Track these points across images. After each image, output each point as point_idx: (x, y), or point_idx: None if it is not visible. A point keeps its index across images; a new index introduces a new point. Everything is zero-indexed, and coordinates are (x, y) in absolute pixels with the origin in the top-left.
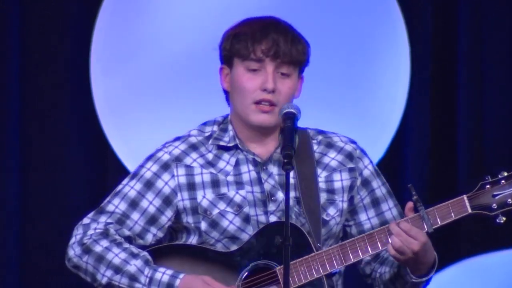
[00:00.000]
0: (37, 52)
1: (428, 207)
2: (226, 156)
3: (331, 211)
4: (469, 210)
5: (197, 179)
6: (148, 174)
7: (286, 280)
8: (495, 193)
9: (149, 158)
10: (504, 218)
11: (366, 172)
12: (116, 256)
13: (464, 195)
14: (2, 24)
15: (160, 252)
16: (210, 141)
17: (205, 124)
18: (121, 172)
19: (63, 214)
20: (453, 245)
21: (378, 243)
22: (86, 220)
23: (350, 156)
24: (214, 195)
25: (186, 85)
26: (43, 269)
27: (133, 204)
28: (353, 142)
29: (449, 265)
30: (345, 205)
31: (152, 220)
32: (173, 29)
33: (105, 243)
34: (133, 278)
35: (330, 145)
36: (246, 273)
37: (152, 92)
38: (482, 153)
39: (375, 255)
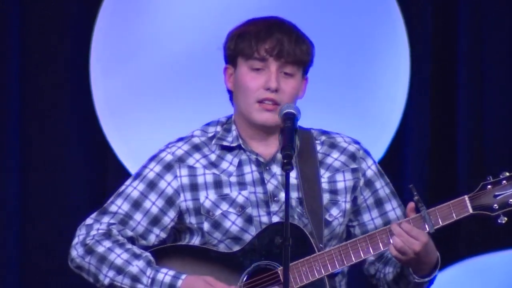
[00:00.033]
0: (37, 52)
1: (428, 207)
2: (229, 156)
3: (334, 211)
4: (471, 211)
5: (200, 179)
6: (151, 175)
7: (286, 280)
8: (496, 193)
9: (152, 158)
10: (506, 219)
11: (369, 173)
12: (118, 256)
13: (466, 196)
14: (2, 24)
15: (163, 253)
16: (213, 141)
17: (208, 124)
18: (121, 172)
19: (63, 214)
20: (453, 245)
21: (380, 243)
22: (89, 221)
23: (353, 157)
24: (217, 195)
25: (186, 85)
26: (43, 269)
27: (136, 204)
28: (357, 142)
29: (449, 265)
30: (348, 205)
31: (155, 221)
32: (173, 29)
33: (107, 243)
34: (135, 279)
35: (333, 146)
36: (248, 274)
37: (152, 92)
38: (482, 153)
39: (379, 255)
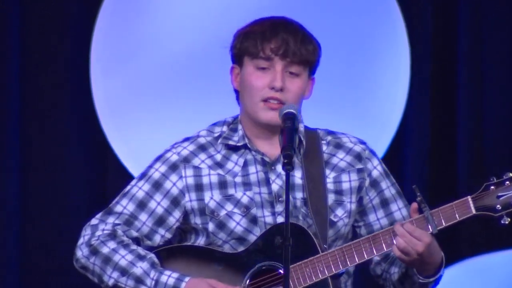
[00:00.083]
0: (37, 52)
1: (428, 207)
2: (234, 157)
3: (339, 212)
4: (474, 211)
5: (205, 180)
6: (156, 175)
7: (286, 280)
8: (499, 194)
9: (157, 158)
10: (509, 219)
11: (375, 173)
12: (123, 258)
13: (469, 196)
14: (2, 24)
15: (167, 253)
16: (219, 141)
17: (215, 124)
18: (121, 172)
19: (63, 214)
20: (455, 246)
21: (383, 244)
22: (94, 221)
23: (359, 157)
24: (222, 196)
25: (186, 85)
26: (43, 269)
27: (141, 205)
28: (363, 142)
29: (450, 265)
30: (353, 206)
31: (160, 221)
32: (173, 29)
33: (112, 244)
34: (139, 281)
35: (339, 146)
36: (252, 275)
37: (152, 92)
38: (482, 153)
39: (385, 255)
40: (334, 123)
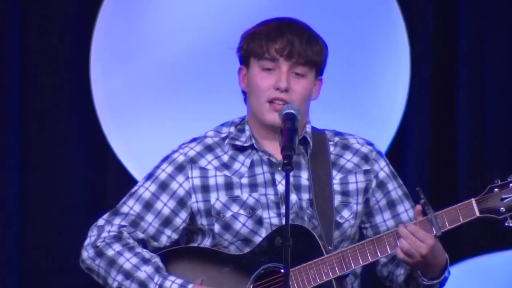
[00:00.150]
0: (37, 52)
1: (432, 209)
2: (241, 157)
3: (345, 213)
4: (477, 214)
5: (211, 181)
6: (163, 176)
7: (286, 280)
8: (503, 196)
9: (164, 159)
10: None
11: (381, 174)
12: (127, 261)
13: (473, 199)
14: (2, 24)
15: (173, 255)
16: (226, 141)
17: (222, 125)
18: (121, 172)
19: (63, 214)
20: (454, 245)
21: (387, 246)
22: (100, 222)
23: (366, 158)
24: (227, 197)
25: (186, 85)
26: (43, 269)
27: (148, 205)
28: (370, 144)
29: (450, 265)
30: (359, 207)
31: (167, 222)
32: (173, 29)
33: (117, 247)
34: (142, 285)
35: (346, 147)
36: (256, 277)
37: (152, 92)
38: (482, 153)
39: (391, 257)
40: (334, 123)
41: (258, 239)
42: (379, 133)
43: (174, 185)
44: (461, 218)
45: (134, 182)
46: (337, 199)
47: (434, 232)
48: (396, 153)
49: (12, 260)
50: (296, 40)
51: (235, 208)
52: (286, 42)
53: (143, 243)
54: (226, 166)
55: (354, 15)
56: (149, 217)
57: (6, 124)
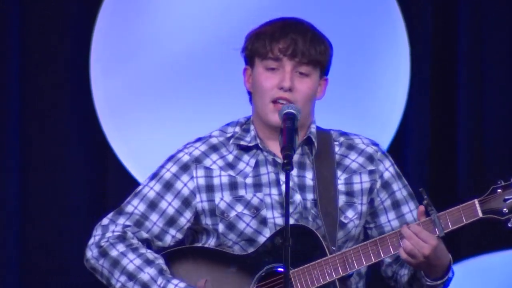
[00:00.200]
0: (37, 52)
1: (435, 210)
2: (246, 157)
3: (350, 213)
4: (480, 214)
5: (216, 181)
6: (167, 175)
7: (286, 280)
8: (506, 197)
9: (169, 158)
10: None
11: (386, 175)
12: (131, 262)
13: (476, 199)
14: (2, 24)
15: (177, 255)
16: (231, 141)
17: (228, 125)
18: (121, 172)
19: (63, 214)
20: (456, 246)
21: (390, 246)
22: (105, 221)
23: (370, 158)
24: (232, 197)
25: (186, 85)
26: (43, 269)
27: (152, 205)
28: (375, 144)
29: None
30: (364, 207)
31: (171, 222)
32: (173, 29)
33: (121, 247)
34: (145, 287)
35: (351, 147)
36: (260, 277)
37: (152, 92)
38: (482, 153)
39: (396, 257)
40: (334, 123)
41: (262, 239)
42: (379, 133)
43: (178, 185)
44: (464, 218)
45: (134, 182)
46: (342, 199)
47: (437, 233)
48: (396, 153)
49: (12, 260)
50: (300, 39)
51: (239, 208)
52: (289, 41)
53: (148, 242)
54: (230, 166)
55: (354, 15)
56: (154, 217)
57: (6, 124)
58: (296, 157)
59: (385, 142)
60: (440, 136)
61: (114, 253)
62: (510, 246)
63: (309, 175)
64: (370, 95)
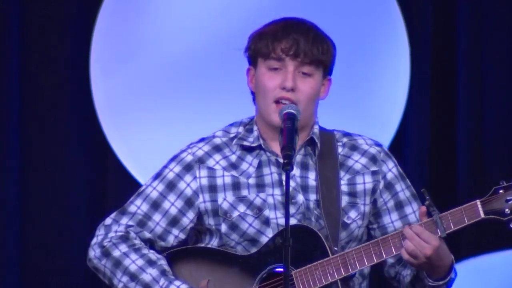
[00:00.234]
0: (37, 52)
1: (437, 210)
2: (249, 157)
3: (352, 214)
4: (482, 215)
5: (219, 181)
6: (170, 175)
7: (286, 280)
8: (508, 198)
9: (173, 158)
10: None
11: (389, 175)
12: (133, 262)
13: (477, 200)
14: (2, 24)
15: (180, 255)
16: (234, 142)
17: (231, 125)
18: (121, 172)
19: (63, 214)
20: (454, 245)
21: (392, 247)
22: (108, 221)
23: (374, 159)
24: (235, 197)
25: (186, 85)
26: (43, 269)
27: (155, 205)
28: (379, 145)
29: None
30: (367, 208)
31: (174, 222)
32: (173, 29)
33: (124, 248)
34: (147, 287)
35: (354, 148)
36: (262, 277)
37: (152, 92)
38: (482, 153)
39: (398, 257)
40: (334, 123)
41: (265, 239)
42: (379, 133)
43: (181, 185)
44: (466, 219)
45: (134, 182)
46: (345, 200)
47: (439, 233)
48: (396, 153)
49: (12, 260)
50: (302, 39)
51: (242, 208)
52: (292, 41)
53: (150, 243)
54: (234, 166)
55: (354, 15)
56: (157, 217)
57: (6, 124)
58: (299, 158)
59: (385, 142)
60: (440, 136)
61: (116, 253)
62: (510, 246)
63: (312, 176)
64: (370, 95)
